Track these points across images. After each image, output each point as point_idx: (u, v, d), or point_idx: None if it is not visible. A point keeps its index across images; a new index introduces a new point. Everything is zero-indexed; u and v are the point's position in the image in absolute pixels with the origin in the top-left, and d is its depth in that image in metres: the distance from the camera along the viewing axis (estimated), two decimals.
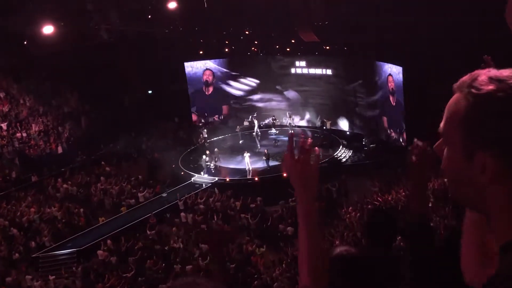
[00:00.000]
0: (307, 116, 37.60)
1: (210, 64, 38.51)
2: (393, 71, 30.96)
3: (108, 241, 24.68)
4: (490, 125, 1.30)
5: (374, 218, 4.18)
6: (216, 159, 32.50)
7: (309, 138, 2.40)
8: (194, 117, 38.77)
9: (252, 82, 38.18)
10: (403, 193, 23.76)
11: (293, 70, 37.30)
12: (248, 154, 31.46)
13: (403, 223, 2.89)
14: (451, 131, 1.40)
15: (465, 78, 1.41)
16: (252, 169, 31.17)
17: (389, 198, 24.22)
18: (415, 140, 2.68)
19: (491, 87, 1.32)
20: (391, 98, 31.74)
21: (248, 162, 31.17)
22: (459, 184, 1.43)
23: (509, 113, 1.28)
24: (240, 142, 35.87)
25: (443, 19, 26.93)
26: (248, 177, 30.93)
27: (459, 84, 1.41)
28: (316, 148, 2.40)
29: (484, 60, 2.56)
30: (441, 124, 1.44)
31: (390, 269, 3.35)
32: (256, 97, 38.51)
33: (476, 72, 1.40)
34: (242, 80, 38.28)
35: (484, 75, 1.36)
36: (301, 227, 2.31)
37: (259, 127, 36.16)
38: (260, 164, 31.89)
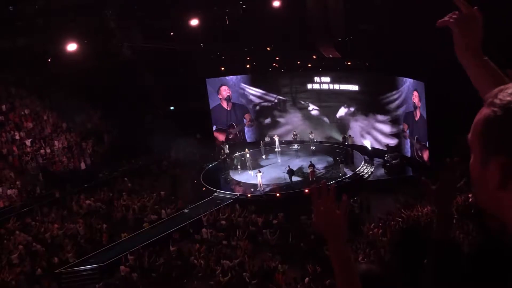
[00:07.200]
0: (329, 132, 37.42)
1: (230, 80, 38.60)
2: (418, 86, 30.74)
3: (131, 257, 24.70)
4: (503, 136, 1.34)
5: (403, 238, 4.06)
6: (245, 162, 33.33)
7: (329, 185, 2.34)
8: (216, 133, 38.85)
9: (273, 98, 38.15)
10: (426, 210, 23.42)
11: (314, 86, 37.18)
12: (261, 173, 31.36)
13: (430, 245, 2.81)
14: (474, 139, 1.45)
15: (495, 90, 1.44)
16: (264, 187, 31.07)
17: (412, 215, 23.90)
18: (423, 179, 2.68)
19: (508, 99, 1.36)
20: (414, 113, 31.51)
21: (260, 181, 31.04)
22: (478, 190, 1.47)
23: None
24: (263, 157, 35.90)
25: None
26: (269, 193, 30.79)
27: (487, 95, 1.44)
28: (344, 194, 2.37)
29: (508, 74, 2.52)
30: (469, 133, 1.48)
31: None
32: (277, 113, 38.49)
33: (506, 85, 1.42)
34: (264, 96, 38.28)
35: (510, 89, 1.38)
36: (335, 266, 2.29)
37: (280, 143, 36.34)
38: (283, 180, 31.80)
